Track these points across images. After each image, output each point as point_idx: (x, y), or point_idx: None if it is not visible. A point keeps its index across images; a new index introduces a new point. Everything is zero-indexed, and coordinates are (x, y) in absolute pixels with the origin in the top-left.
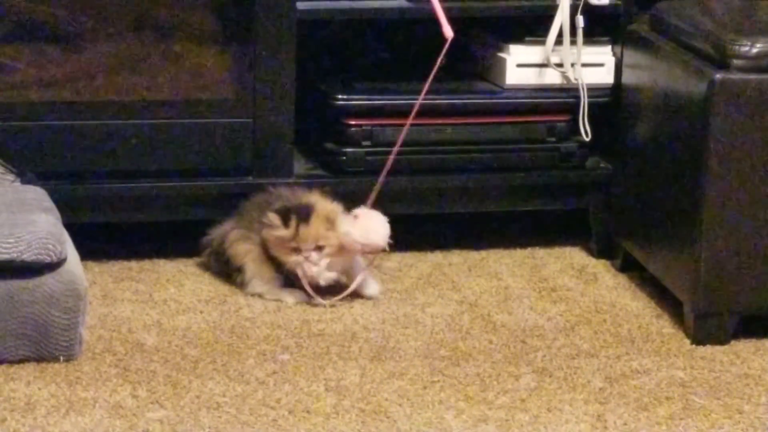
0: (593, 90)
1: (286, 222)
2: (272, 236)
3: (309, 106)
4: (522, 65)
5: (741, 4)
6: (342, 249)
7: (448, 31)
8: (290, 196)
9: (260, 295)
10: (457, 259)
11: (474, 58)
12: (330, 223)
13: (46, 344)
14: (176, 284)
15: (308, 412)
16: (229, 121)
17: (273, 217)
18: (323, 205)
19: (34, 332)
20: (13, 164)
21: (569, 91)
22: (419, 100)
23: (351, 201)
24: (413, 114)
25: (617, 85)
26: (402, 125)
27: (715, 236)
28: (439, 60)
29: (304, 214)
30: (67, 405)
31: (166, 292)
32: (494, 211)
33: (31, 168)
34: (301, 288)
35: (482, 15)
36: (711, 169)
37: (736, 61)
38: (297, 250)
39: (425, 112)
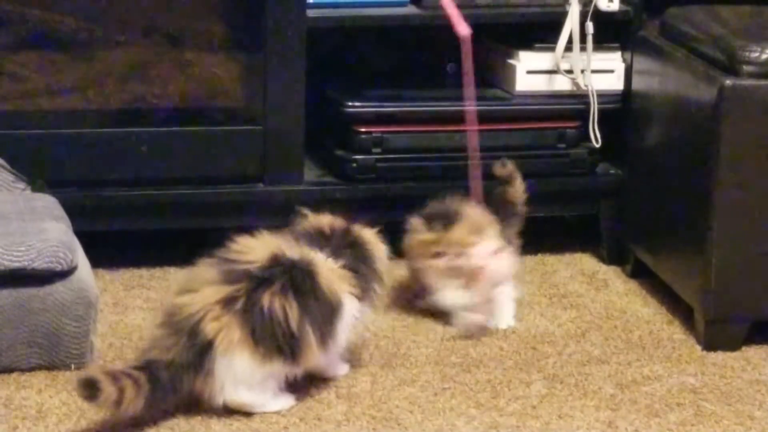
0: (603, 96)
1: (429, 225)
2: (415, 241)
3: (319, 114)
4: (532, 72)
5: (751, 11)
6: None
7: (464, 29)
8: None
9: None
10: None
11: (483, 65)
12: (477, 231)
13: (57, 352)
14: None
15: (319, 419)
16: (239, 129)
17: (416, 222)
18: (472, 211)
19: (45, 340)
20: (23, 172)
21: (579, 97)
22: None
23: (361, 208)
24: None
25: (627, 92)
26: (412, 132)
27: (725, 242)
28: (467, 66)
29: (450, 218)
30: (79, 413)
31: None
32: None
33: (41, 176)
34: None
35: (492, 22)
36: (721, 175)
37: (746, 68)
38: (440, 255)
39: (434, 118)
